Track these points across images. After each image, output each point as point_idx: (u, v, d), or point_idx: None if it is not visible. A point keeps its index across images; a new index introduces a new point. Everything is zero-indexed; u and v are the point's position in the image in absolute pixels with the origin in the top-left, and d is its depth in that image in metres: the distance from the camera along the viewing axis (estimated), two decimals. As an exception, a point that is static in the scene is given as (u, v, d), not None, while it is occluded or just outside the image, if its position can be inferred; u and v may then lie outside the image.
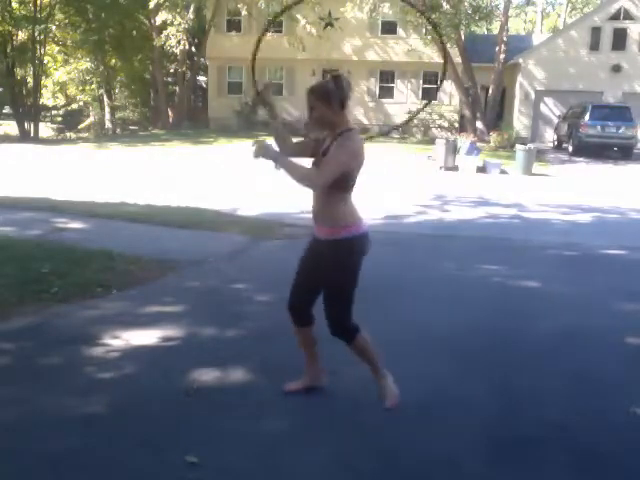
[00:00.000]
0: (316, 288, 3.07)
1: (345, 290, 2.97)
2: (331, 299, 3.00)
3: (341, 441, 2.83)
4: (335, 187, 2.84)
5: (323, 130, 2.95)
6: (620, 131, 19.65)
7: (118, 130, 31.65)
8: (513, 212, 9.87)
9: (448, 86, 26.21)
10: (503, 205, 10.44)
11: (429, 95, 26.59)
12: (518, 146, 16.77)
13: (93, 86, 33.31)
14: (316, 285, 3.06)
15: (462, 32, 23.14)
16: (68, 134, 32.40)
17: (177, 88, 30.98)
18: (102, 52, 29.50)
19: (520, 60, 26.10)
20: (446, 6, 21.45)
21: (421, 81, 27.18)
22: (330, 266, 2.95)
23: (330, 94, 2.85)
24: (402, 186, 12.52)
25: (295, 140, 3.14)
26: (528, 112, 26.50)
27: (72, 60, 31.31)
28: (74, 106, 37.21)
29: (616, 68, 25.45)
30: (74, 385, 3.27)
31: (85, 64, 31.23)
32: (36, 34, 26.66)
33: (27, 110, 28.34)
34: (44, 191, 9.97)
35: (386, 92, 27.10)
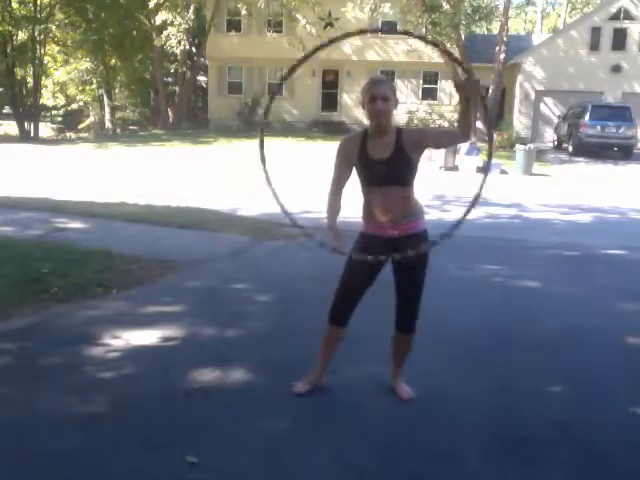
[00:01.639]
0: (367, 290, 3.10)
1: (425, 279, 3.11)
2: (418, 290, 3.10)
3: (342, 440, 2.83)
4: (414, 178, 2.97)
5: (387, 123, 2.92)
6: (620, 131, 19.65)
7: (118, 130, 31.66)
8: (513, 212, 9.87)
9: (448, 86, 26.22)
10: (503, 205, 10.43)
11: (430, 94, 26.64)
12: (518, 146, 16.77)
13: (93, 86, 33.34)
14: (369, 287, 3.09)
15: (462, 32, 23.14)
16: (68, 134, 32.41)
17: (177, 88, 30.97)
18: (102, 52, 29.53)
19: (520, 60, 26.09)
20: (446, 6, 21.44)
21: (421, 81, 27.19)
22: (422, 257, 3.02)
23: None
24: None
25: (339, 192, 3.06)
26: (528, 112, 26.49)
27: (72, 60, 31.33)
28: (74, 106, 37.22)
29: (616, 68, 25.44)
30: (74, 385, 3.27)
31: (85, 64, 31.26)
32: (36, 34, 26.69)
33: (27, 110, 28.36)
34: (44, 191, 9.98)
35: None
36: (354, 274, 3.05)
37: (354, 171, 3.02)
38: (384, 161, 2.90)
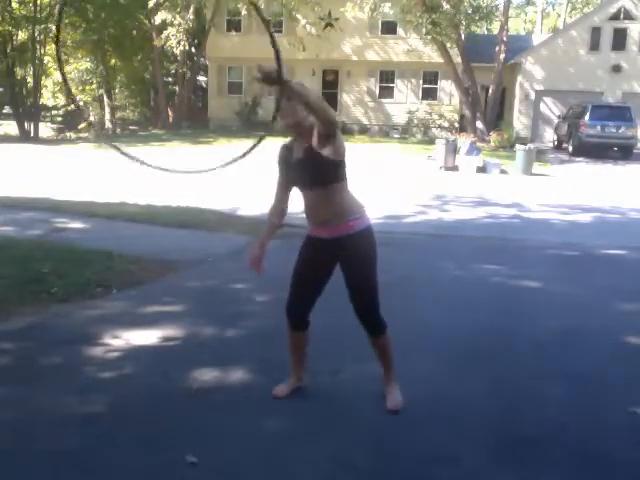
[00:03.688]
0: (318, 292, 3.07)
1: (375, 280, 3.00)
2: (366, 293, 2.99)
3: (342, 440, 2.83)
4: (342, 178, 2.88)
5: (294, 122, 2.83)
6: (620, 131, 19.65)
7: (118, 130, 31.64)
8: (513, 212, 9.87)
9: (448, 86, 26.22)
10: (503, 205, 10.44)
11: (430, 94, 26.59)
12: (518, 146, 16.76)
13: (93, 86, 33.32)
14: (319, 289, 3.07)
15: (462, 32, 23.14)
16: (68, 134, 32.38)
17: (177, 88, 30.97)
18: (102, 52, 29.51)
19: (520, 60, 26.10)
20: (446, 6, 21.43)
21: (421, 81, 27.18)
22: (361, 259, 2.95)
23: None
24: (402, 186, 12.51)
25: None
26: (528, 112, 26.49)
27: (72, 60, 31.30)
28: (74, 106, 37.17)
29: (616, 68, 25.45)
30: (74, 385, 3.27)
31: (85, 64, 31.24)
32: (36, 34, 26.67)
33: (27, 110, 28.33)
34: (44, 191, 9.98)
35: (386, 92, 27.12)
36: (301, 274, 3.05)
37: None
38: (299, 162, 2.88)
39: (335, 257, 2.98)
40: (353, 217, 2.91)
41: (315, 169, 2.84)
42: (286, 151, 2.99)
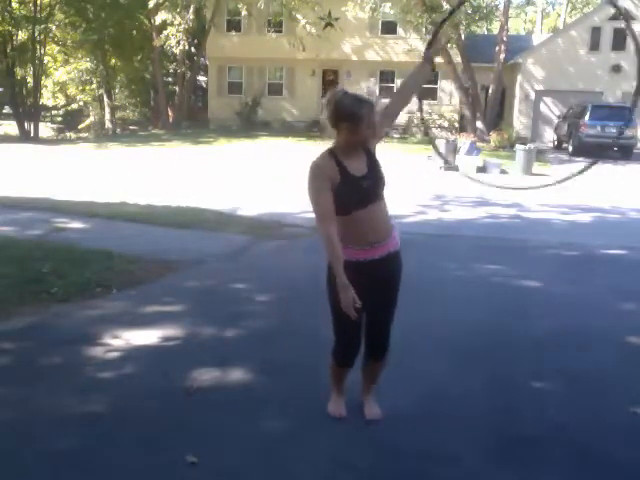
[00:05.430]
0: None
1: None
2: (392, 315, 2.89)
3: (341, 440, 2.83)
4: None
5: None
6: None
7: (118, 130, 31.63)
8: (513, 212, 9.86)
9: (448, 86, 26.21)
10: (503, 205, 10.43)
11: (430, 94, 26.57)
12: (518, 146, 16.75)
13: (93, 86, 33.30)
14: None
15: (462, 32, 23.14)
16: (68, 134, 32.38)
17: (177, 88, 30.96)
18: (102, 52, 29.51)
19: (520, 60, 26.10)
20: (446, 6, 21.42)
21: (421, 81, 27.16)
22: (399, 277, 2.82)
23: None
24: (402, 186, 12.50)
25: None
26: (528, 112, 26.49)
27: (72, 60, 31.30)
28: (74, 106, 37.18)
29: (616, 68, 25.44)
30: (74, 385, 3.27)
31: (85, 64, 31.23)
32: (36, 34, 26.67)
33: (27, 110, 28.33)
34: (44, 191, 9.98)
35: (386, 92, 27.09)
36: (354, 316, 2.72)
37: None
38: (365, 176, 2.68)
39: (382, 280, 2.75)
40: (394, 230, 2.80)
41: (380, 180, 2.73)
42: (334, 168, 2.66)
